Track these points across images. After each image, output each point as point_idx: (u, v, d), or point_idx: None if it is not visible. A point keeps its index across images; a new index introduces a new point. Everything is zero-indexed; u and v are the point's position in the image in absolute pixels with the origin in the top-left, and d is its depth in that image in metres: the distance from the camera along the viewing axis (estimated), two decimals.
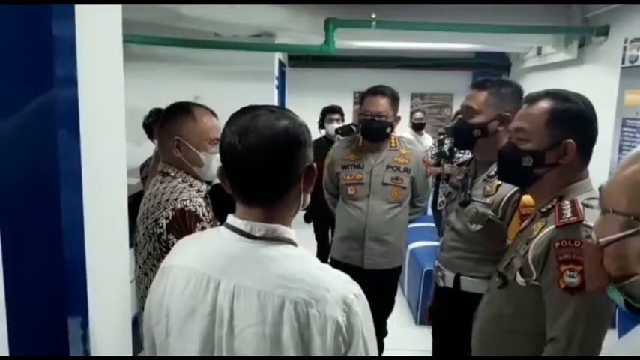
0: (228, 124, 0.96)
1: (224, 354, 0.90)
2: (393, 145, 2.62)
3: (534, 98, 1.41)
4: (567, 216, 1.26)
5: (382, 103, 2.50)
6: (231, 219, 0.98)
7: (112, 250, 1.22)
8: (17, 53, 0.86)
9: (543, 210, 1.37)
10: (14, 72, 0.87)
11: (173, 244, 1.43)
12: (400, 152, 2.60)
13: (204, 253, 0.98)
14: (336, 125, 4.11)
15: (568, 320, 1.22)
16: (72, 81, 0.94)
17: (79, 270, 1.02)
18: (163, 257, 1.45)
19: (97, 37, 1.06)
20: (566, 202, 1.30)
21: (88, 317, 1.06)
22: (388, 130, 2.54)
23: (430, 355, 2.21)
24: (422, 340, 3.19)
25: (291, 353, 0.86)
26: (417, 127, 5.50)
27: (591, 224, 1.20)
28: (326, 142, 3.99)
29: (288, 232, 0.96)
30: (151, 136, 3.36)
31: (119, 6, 1.17)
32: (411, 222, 2.81)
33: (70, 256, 0.97)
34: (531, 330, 1.33)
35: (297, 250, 0.95)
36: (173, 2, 3.57)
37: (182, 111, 1.60)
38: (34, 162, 0.90)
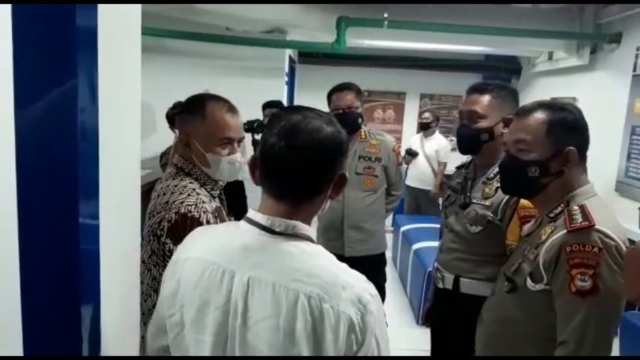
0: (277, 118, 0.97)
1: (237, 346, 0.91)
2: (363, 136, 2.78)
3: (528, 110, 1.43)
4: (578, 221, 1.28)
5: (349, 98, 2.67)
6: (252, 213, 0.99)
7: (125, 238, 1.24)
8: (43, 42, 0.89)
9: (551, 215, 1.38)
10: (40, 60, 0.89)
11: (169, 250, 1.44)
12: (370, 143, 2.76)
13: (220, 245, 0.99)
14: None
15: (579, 324, 1.23)
16: (93, 70, 0.96)
17: (93, 258, 1.03)
18: (164, 258, 1.47)
19: (118, 28, 1.09)
20: (575, 207, 1.32)
21: (100, 304, 1.07)
22: (359, 120, 2.70)
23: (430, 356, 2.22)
24: (424, 340, 3.17)
25: (304, 347, 0.87)
26: (422, 127, 5.58)
27: (603, 229, 1.23)
28: None
29: (307, 229, 0.98)
30: (172, 127, 3.49)
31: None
32: (389, 211, 2.96)
33: (85, 244, 0.98)
34: (540, 335, 1.35)
35: (315, 247, 0.97)
36: (188, 2, 3.64)
37: (196, 106, 1.55)
38: (55, 148, 0.92)
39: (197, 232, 1.10)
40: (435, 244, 4.25)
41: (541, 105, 1.43)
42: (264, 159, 0.96)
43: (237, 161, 1.60)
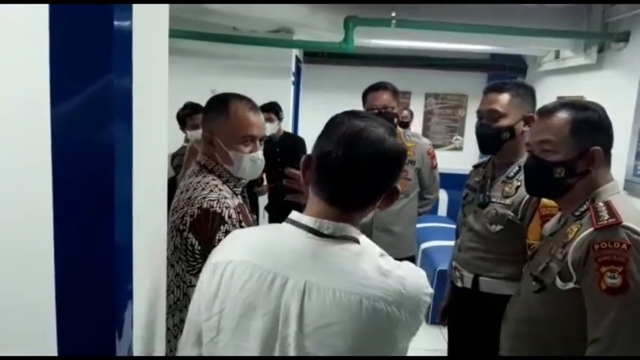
0: (337, 124, 0.94)
1: (292, 354, 0.88)
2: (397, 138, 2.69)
3: (550, 110, 1.42)
4: (605, 218, 1.27)
5: (385, 97, 2.60)
6: (296, 215, 0.97)
7: (154, 234, 1.24)
8: (80, 42, 0.90)
9: (577, 213, 1.38)
10: (76, 60, 0.90)
11: (191, 244, 1.45)
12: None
13: (267, 248, 0.96)
14: (269, 125, 3.83)
15: (610, 322, 1.22)
16: (128, 70, 0.97)
17: (126, 254, 1.03)
18: (186, 253, 1.47)
19: (149, 28, 1.09)
20: (600, 204, 1.32)
21: (133, 303, 1.07)
22: (395, 120, 2.64)
23: (442, 355, 2.22)
24: (433, 339, 3.19)
25: (374, 350, 0.86)
26: (402, 126, 5.55)
27: (631, 225, 1.23)
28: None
29: (355, 230, 0.96)
30: (183, 127, 3.51)
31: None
32: (421, 214, 2.90)
33: (119, 241, 0.98)
34: (569, 334, 1.34)
35: (365, 248, 0.95)
36: (198, 2, 3.64)
37: (219, 105, 1.58)
38: (92, 145, 0.92)
39: (236, 234, 1.08)
40: (444, 243, 4.27)
41: (563, 104, 1.42)
42: (320, 164, 0.94)
43: (259, 159, 1.62)
